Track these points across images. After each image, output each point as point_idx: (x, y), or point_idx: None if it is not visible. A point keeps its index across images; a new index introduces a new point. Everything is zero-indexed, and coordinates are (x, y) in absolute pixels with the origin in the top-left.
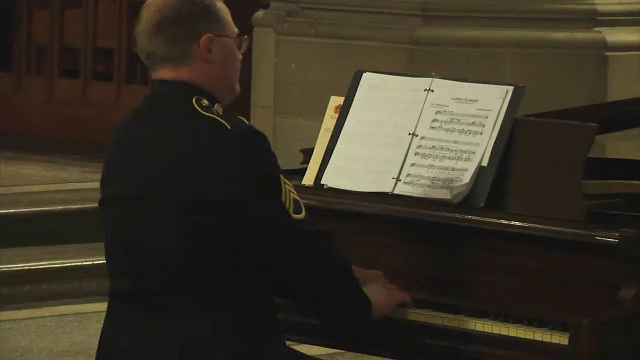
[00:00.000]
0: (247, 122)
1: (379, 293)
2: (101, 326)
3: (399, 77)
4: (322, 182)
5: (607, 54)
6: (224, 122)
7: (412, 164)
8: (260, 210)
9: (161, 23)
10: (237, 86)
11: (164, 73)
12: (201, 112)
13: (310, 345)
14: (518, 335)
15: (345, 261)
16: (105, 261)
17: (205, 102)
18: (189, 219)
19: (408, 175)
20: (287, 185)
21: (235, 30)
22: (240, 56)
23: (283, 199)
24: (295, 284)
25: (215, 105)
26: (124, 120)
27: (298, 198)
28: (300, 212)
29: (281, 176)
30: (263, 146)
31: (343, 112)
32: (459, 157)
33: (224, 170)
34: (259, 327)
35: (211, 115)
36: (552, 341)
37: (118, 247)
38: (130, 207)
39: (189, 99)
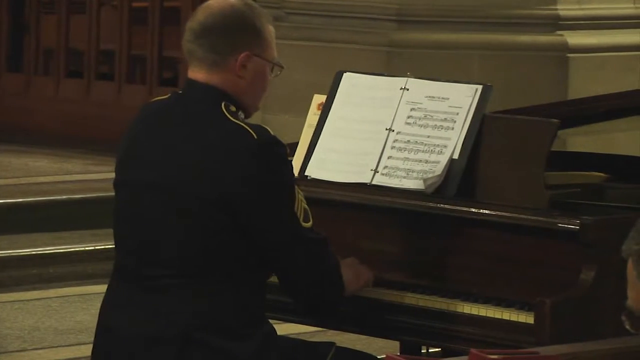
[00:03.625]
0: (271, 132)
1: (349, 276)
2: None
3: (377, 76)
4: (306, 174)
5: (568, 55)
6: (251, 130)
7: (389, 157)
8: (275, 215)
9: (210, 28)
10: (259, 105)
11: (198, 74)
12: (230, 118)
13: (293, 324)
14: (487, 315)
15: (337, 267)
16: (105, 246)
17: (233, 108)
18: (204, 213)
19: (385, 167)
20: (299, 195)
21: (275, 55)
22: (269, 80)
23: (296, 207)
24: (288, 280)
25: (239, 112)
26: (148, 109)
27: (307, 207)
28: (308, 222)
29: (296, 186)
30: (284, 156)
31: (325, 109)
32: (432, 150)
33: (248, 174)
34: (251, 309)
35: (239, 122)
36: (519, 320)
37: (129, 227)
38: (147, 193)
39: (218, 103)
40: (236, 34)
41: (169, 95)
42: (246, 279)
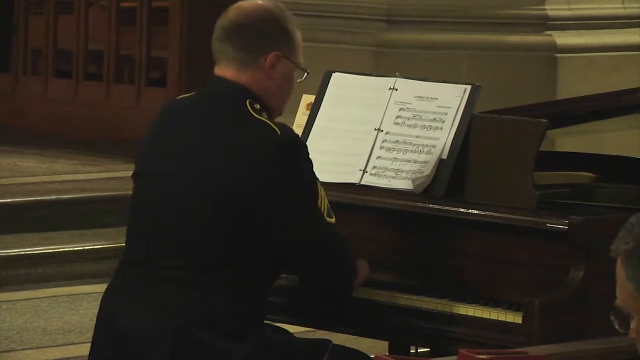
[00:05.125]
0: (294, 130)
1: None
2: (91, 307)
3: (366, 77)
4: None
5: (557, 55)
6: (274, 127)
7: (378, 157)
8: (299, 211)
9: (242, 27)
10: (283, 108)
11: (226, 71)
12: (254, 115)
13: (284, 324)
14: (476, 315)
15: (355, 263)
16: (94, 247)
17: (257, 106)
18: (221, 209)
19: (374, 167)
20: (322, 191)
21: (302, 60)
22: (294, 85)
23: (319, 203)
24: (309, 274)
25: (263, 112)
26: (173, 105)
27: (329, 205)
28: (332, 217)
29: (318, 182)
30: (306, 154)
31: (314, 110)
32: (420, 150)
33: (270, 170)
34: (251, 311)
35: (263, 119)
36: (507, 320)
37: (142, 218)
38: (166, 185)
39: (243, 100)
40: (268, 34)
41: (194, 92)
42: (250, 280)
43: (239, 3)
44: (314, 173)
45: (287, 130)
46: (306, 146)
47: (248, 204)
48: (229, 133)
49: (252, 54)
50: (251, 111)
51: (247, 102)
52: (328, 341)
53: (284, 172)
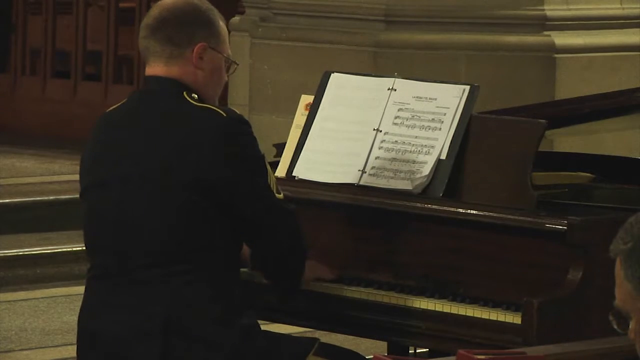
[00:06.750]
0: (237, 111)
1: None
2: None
3: (364, 77)
4: (293, 174)
5: (556, 56)
6: (219, 111)
7: (377, 157)
8: (252, 186)
9: (165, 21)
10: (216, 101)
11: (156, 69)
12: (195, 103)
13: (279, 324)
14: (474, 315)
15: (304, 238)
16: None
17: (195, 95)
18: (185, 197)
19: (373, 167)
20: (269, 167)
21: (229, 51)
22: (225, 77)
23: (269, 180)
24: (266, 248)
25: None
26: (110, 115)
27: (276, 180)
28: (280, 193)
29: (265, 159)
30: (252, 132)
31: (313, 110)
32: (419, 150)
33: (223, 151)
34: (230, 297)
35: (206, 105)
36: (506, 320)
37: (107, 226)
38: (125, 187)
39: (180, 92)
40: (192, 26)
41: (126, 99)
42: (222, 266)
43: (160, 2)
44: (259, 150)
45: (232, 112)
46: (249, 124)
47: (212, 189)
48: (178, 125)
49: (178, 47)
50: (191, 101)
51: (184, 93)
52: (316, 339)
53: (239, 151)
